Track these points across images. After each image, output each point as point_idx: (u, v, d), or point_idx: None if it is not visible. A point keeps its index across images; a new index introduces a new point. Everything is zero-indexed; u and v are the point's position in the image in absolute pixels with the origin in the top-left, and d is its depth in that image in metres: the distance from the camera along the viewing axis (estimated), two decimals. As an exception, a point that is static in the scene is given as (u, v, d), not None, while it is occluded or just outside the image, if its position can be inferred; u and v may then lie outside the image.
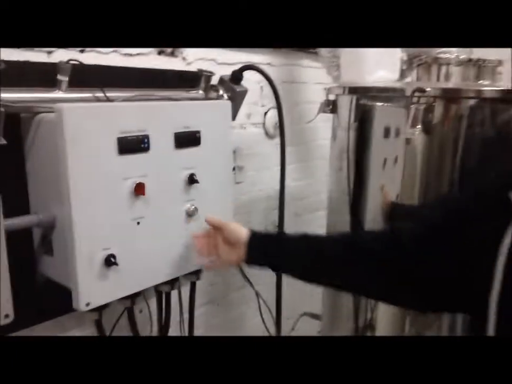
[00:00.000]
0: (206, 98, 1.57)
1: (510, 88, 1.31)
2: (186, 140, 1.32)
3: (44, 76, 1.20)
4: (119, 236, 1.20)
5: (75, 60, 1.21)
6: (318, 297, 1.90)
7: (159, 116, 1.25)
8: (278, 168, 1.75)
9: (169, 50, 1.61)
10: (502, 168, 0.95)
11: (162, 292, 1.49)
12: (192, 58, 1.69)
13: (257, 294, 1.84)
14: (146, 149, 1.22)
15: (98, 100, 1.27)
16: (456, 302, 0.92)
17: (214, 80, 1.59)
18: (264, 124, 2.11)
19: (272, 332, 1.92)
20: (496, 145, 1.28)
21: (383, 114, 1.45)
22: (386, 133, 1.43)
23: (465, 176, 1.29)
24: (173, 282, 1.43)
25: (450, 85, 1.47)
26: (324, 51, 1.85)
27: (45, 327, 1.40)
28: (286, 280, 2.13)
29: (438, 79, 1.50)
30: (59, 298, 1.22)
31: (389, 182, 1.44)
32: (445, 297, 0.92)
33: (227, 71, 1.61)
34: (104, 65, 1.37)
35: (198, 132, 1.35)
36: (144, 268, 1.27)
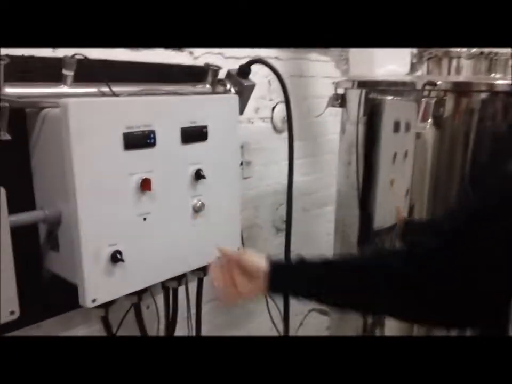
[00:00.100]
0: (213, 92, 1.55)
1: (523, 81, 1.29)
2: (193, 134, 1.31)
3: (49, 71, 1.19)
4: (125, 231, 1.19)
5: (80, 54, 1.19)
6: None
7: (165, 110, 1.24)
8: (286, 163, 1.73)
9: (176, 44, 1.59)
10: None
11: (169, 288, 1.48)
12: (199, 53, 1.67)
13: (265, 290, 1.83)
14: (152, 144, 1.20)
15: (104, 94, 1.25)
16: (480, 314, 0.90)
17: (221, 74, 1.57)
18: (272, 118, 2.09)
19: (280, 328, 1.91)
20: (508, 140, 1.26)
21: (392, 108, 1.43)
22: (396, 127, 1.41)
23: (476, 171, 1.27)
24: (180, 279, 1.42)
25: (462, 78, 1.45)
26: (332, 45, 1.83)
27: (51, 324, 1.39)
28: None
29: (449, 73, 1.48)
30: (65, 295, 1.22)
31: (398, 177, 1.42)
32: (469, 309, 0.89)
33: (234, 65, 1.59)
34: (110, 60, 1.35)
35: (205, 127, 1.33)
36: (151, 264, 1.26)
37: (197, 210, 1.34)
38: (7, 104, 1.07)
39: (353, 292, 1.01)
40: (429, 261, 0.91)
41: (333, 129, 2.15)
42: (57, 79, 1.18)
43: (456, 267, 0.86)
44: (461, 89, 1.30)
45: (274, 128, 2.11)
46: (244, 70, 1.57)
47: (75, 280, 1.16)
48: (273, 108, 2.08)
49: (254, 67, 1.58)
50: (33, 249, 1.28)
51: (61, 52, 1.23)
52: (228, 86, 1.57)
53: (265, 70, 1.62)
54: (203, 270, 1.48)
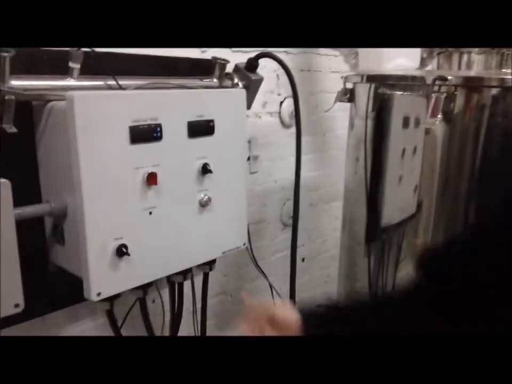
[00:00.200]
0: (221, 86, 1.54)
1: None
2: (200, 128, 1.30)
3: (56, 63, 1.19)
4: (131, 225, 1.18)
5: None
6: (333, 288, 1.88)
7: (172, 104, 1.23)
8: (294, 158, 1.72)
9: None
10: None
11: (175, 282, 1.48)
12: (207, 46, 1.66)
13: (270, 286, 1.82)
14: (158, 138, 1.20)
15: (110, 88, 1.25)
16: None
17: (229, 68, 1.56)
18: (280, 113, 2.08)
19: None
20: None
21: (402, 103, 1.42)
22: (405, 122, 1.39)
23: (487, 167, 1.26)
24: (185, 273, 1.41)
25: (472, 73, 1.43)
26: (341, 39, 1.81)
27: (56, 317, 1.40)
28: (300, 271, 2.11)
29: (459, 68, 1.46)
30: (71, 288, 1.21)
31: (407, 173, 1.40)
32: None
33: (242, 59, 1.57)
34: (116, 53, 1.34)
35: (212, 121, 1.32)
36: (156, 258, 1.25)
37: (203, 204, 1.33)
38: (13, 97, 1.06)
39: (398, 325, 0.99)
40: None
41: (342, 124, 2.14)
42: (64, 71, 1.18)
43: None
44: (472, 85, 1.28)
45: (282, 123, 2.10)
46: (252, 64, 1.56)
47: (80, 273, 1.15)
48: (281, 103, 2.07)
49: (262, 61, 1.56)
50: (39, 243, 1.27)
51: (67, 45, 1.22)
52: (236, 80, 1.56)
53: (274, 64, 1.60)
54: (209, 264, 1.48)
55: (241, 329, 1.07)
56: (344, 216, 1.75)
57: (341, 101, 1.65)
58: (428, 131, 1.33)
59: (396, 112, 1.41)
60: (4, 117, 1.06)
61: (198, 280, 1.59)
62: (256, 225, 2.07)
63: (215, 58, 1.51)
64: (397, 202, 1.45)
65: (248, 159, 1.96)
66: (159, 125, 1.19)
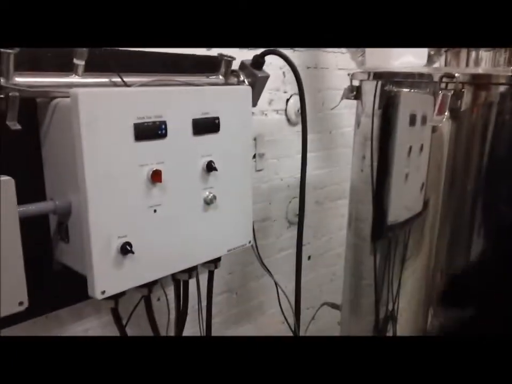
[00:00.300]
0: (227, 83, 1.54)
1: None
2: (205, 126, 1.29)
3: (60, 60, 1.18)
4: (135, 223, 1.18)
5: (92, 44, 1.18)
6: (338, 286, 1.87)
7: (177, 101, 1.22)
8: (300, 155, 1.71)
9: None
10: None
11: (180, 280, 1.48)
12: (213, 43, 1.65)
13: (276, 284, 1.82)
14: (163, 135, 1.19)
15: (115, 84, 1.24)
16: None
17: (235, 65, 1.55)
18: (286, 110, 2.07)
19: (291, 321, 1.89)
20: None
21: (409, 100, 1.41)
22: (412, 120, 1.38)
23: (494, 165, 1.25)
24: (190, 271, 1.41)
25: (480, 70, 1.41)
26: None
27: (61, 315, 1.40)
28: (306, 269, 2.11)
29: (467, 65, 1.44)
30: (75, 286, 1.20)
31: (414, 171, 1.39)
32: None
33: (248, 56, 1.57)
34: (122, 49, 1.34)
35: (217, 118, 1.32)
36: (161, 256, 1.25)
37: (208, 202, 1.33)
38: (17, 94, 1.06)
39: None
40: None
41: (348, 122, 2.13)
42: (68, 68, 1.17)
43: None
44: (479, 82, 1.26)
45: (288, 120, 2.09)
46: (258, 61, 1.55)
47: (84, 271, 1.15)
48: (287, 100, 2.06)
49: (268, 58, 1.56)
50: (43, 241, 1.27)
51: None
52: (242, 77, 1.55)
53: (280, 61, 1.60)
54: (214, 262, 1.47)
55: None
56: (350, 214, 1.74)
57: (347, 98, 1.64)
58: (434, 129, 1.32)
59: (403, 109, 1.40)
60: (8, 114, 1.06)
61: (203, 278, 1.58)
62: (261, 223, 2.06)
63: (221, 55, 1.50)
64: (403, 200, 1.44)
65: (254, 156, 1.96)
66: (164, 122, 1.19)
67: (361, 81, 1.58)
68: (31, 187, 1.19)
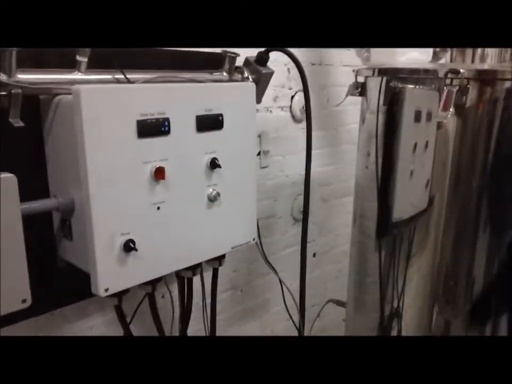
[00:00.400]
0: (231, 80, 1.53)
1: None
2: (208, 123, 1.29)
3: (63, 57, 1.18)
4: (139, 220, 1.18)
5: (95, 40, 1.18)
6: (344, 284, 1.87)
7: (180, 98, 1.22)
8: (305, 153, 1.70)
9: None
10: None
11: (184, 277, 1.47)
12: (217, 39, 1.64)
13: (280, 281, 1.81)
14: (166, 132, 1.19)
15: (118, 81, 1.24)
16: None
17: (239, 62, 1.55)
18: (291, 107, 2.06)
19: (296, 319, 1.89)
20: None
21: (414, 97, 1.40)
22: (417, 116, 1.37)
23: (500, 161, 1.23)
24: (194, 268, 1.41)
25: (486, 66, 1.40)
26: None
27: (65, 312, 1.40)
28: (311, 266, 2.10)
29: (473, 61, 1.43)
30: (79, 283, 1.20)
31: (419, 168, 1.38)
32: None
33: (253, 52, 1.56)
34: (125, 46, 1.34)
35: (221, 115, 1.31)
36: (164, 254, 1.25)
37: (212, 199, 1.32)
38: (19, 91, 1.06)
39: None
40: None
41: (354, 119, 2.12)
42: (71, 65, 1.17)
43: None
44: (485, 78, 1.25)
45: (293, 117, 2.09)
46: (262, 57, 1.54)
47: (88, 269, 1.15)
48: (292, 97, 2.05)
49: (273, 54, 1.55)
50: (47, 238, 1.27)
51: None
52: (246, 74, 1.55)
53: (284, 57, 1.59)
54: (218, 259, 1.47)
55: None
56: (355, 211, 1.73)
57: (352, 94, 1.63)
58: (439, 125, 1.31)
59: (408, 106, 1.39)
60: (10, 111, 1.06)
61: (208, 276, 1.58)
62: (267, 220, 2.06)
63: (225, 52, 1.50)
64: (408, 197, 1.43)
65: (259, 153, 1.95)
66: (167, 119, 1.18)
67: (366, 77, 1.57)
68: (34, 184, 1.19)
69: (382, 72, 1.48)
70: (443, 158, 1.32)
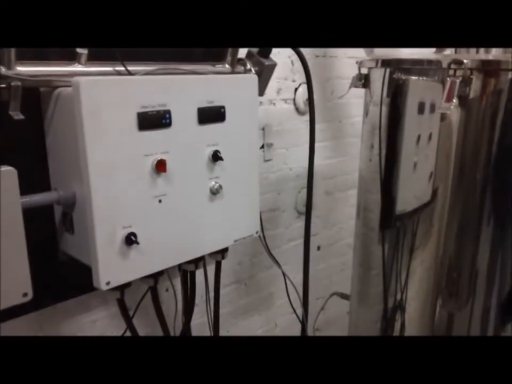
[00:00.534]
0: (233, 72, 1.52)
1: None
2: (210, 115, 1.28)
3: (63, 49, 1.17)
4: (140, 214, 1.17)
5: (95, 32, 1.17)
6: (349, 277, 1.86)
7: (181, 90, 1.21)
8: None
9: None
10: None
11: (187, 271, 1.47)
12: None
13: (284, 275, 1.81)
14: (167, 124, 1.18)
15: (119, 73, 1.23)
16: None
17: (242, 54, 1.54)
18: (294, 99, 2.05)
19: (300, 312, 1.89)
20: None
21: (417, 88, 1.38)
22: (421, 108, 1.36)
23: (504, 153, 1.22)
24: (197, 261, 1.40)
25: (490, 57, 1.38)
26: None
27: (68, 306, 1.40)
28: (315, 259, 2.10)
29: (477, 51, 1.41)
30: (82, 277, 1.20)
31: (422, 160, 1.37)
32: None
33: (255, 44, 1.55)
34: (126, 38, 1.33)
35: (223, 107, 1.30)
36: (166, 247, 1.24)
37: (214, 192, 1.32)
38: (19, 83, 1.05)
39: None
40: None
41: (358, 111, 2.10)
42: (72, 57, 1.17)
43: None
44: (488, 68, 1.24)
45: (297, 110, 2.07)
46: (265, 49, 1.53)
47: (89, 262, 1.15)
48: (296, 89, 2.04)
49: (276, 46, 1.54)
50: (49, 231, 1.27)
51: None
52: (248, 66, 1.54)
53: (288, 49, 1.58)
54: (221, 253, 1.46)
55: None
56: (359, 203, 1.72)
57: (355, 86, 1.61)
58: (443, 117, 1.29)
59: (411, 97, 1.38)
60: (10, 103, 1.06)
61: (211, 269, 1.58)
62: (270, 213, 2.05)
63: (227, 44, 1.49)
64: (412, 190, 1.42)
65: (262, 146, 1.94)
66: (168, 111, 1.18)
67: (369, 69, 1.56)
68: (35, 177, 1.19)
69: (385, 63, 1.47)
70: (447, 149, 1.31)
